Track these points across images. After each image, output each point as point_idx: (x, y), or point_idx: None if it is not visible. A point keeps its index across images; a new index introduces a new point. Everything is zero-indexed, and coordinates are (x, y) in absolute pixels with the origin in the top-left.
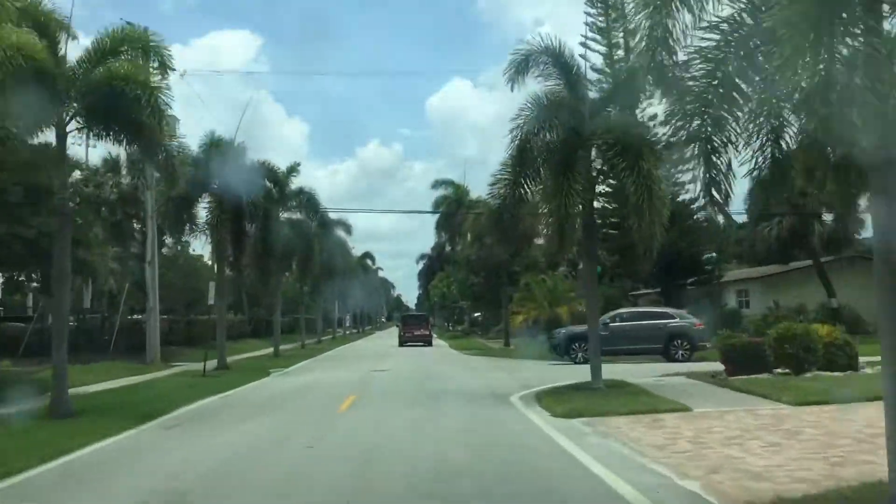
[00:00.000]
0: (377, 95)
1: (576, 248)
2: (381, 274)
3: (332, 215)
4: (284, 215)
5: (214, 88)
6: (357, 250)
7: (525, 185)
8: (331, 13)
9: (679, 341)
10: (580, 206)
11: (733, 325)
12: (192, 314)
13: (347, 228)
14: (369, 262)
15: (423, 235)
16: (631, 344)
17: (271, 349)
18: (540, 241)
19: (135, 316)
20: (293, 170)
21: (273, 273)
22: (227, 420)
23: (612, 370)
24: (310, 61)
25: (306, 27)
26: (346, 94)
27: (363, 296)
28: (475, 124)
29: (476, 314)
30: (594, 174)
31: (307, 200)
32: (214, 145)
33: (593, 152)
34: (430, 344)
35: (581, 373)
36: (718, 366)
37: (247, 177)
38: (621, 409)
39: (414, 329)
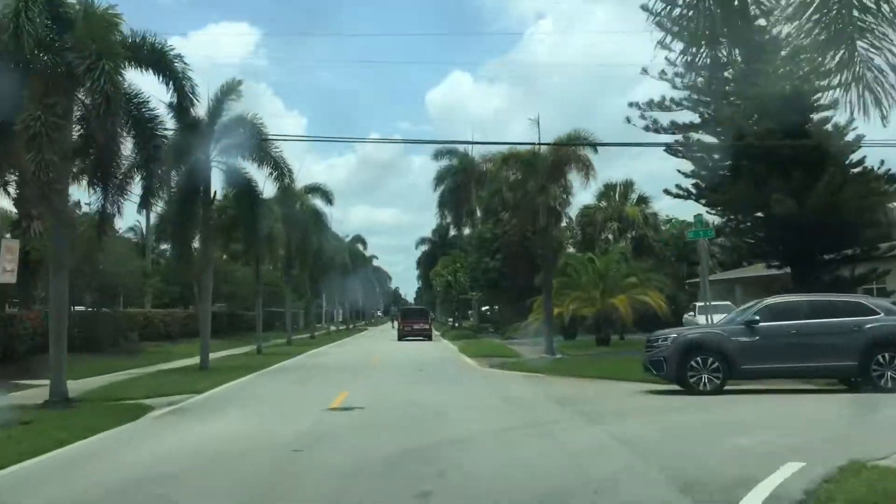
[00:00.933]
0: (377, 88)
1: None
2: (375, 263)
3: (308, 181)
4: (218, 159)
5: (214, 82)
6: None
7: None
8: (330, 5)
9: (890, 355)
10: None
11: None
12: (114, 307)
13: (327, 196)
14: (361, 247)
15: (422, 230)
16: (801, 360)
17: (219, 353)
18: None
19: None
20: (231, 89)
21: (188, 241)
22: None
23: (785, 416)
24: (309, 54)
25: (305, 20)
26: (346, 86)
27: (354, 287)
28: (476, 118)
29: (485, 308)
30: None
31: (252, 135)
32: None
33: None
34: (430, 338)
35: (753, 420)
36: None
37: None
38: None
39: (413, 323)
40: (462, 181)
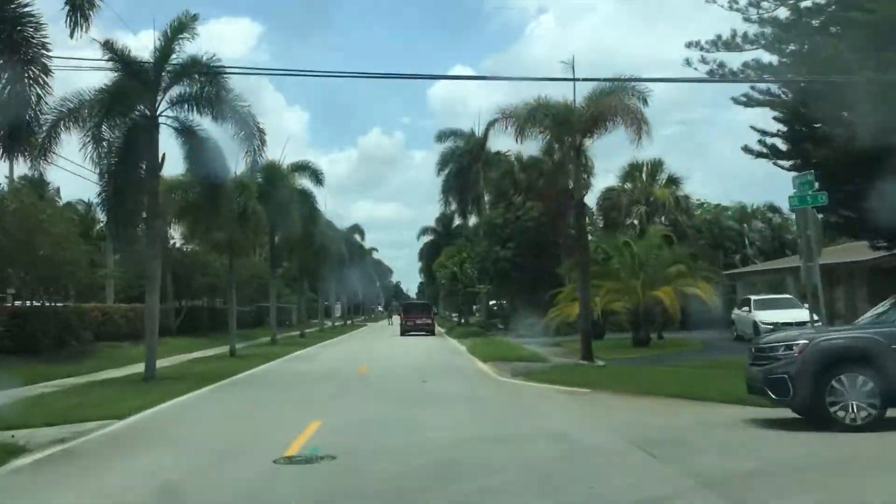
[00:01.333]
0: (378, 84)
1: None
2: (375, 256)
3: (293, 156)
4: (168, 114)
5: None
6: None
7: None
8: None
9: None
10: None
11: None
12: (55, 300)
13: (316, 176)
14: (359, 238)
15: (425, 223)
16: None
17: (186, 355)
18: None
19: None
20: (184, 26)
21: (127, 216)
22: None
23: None
24: (310, 50)
25: (305, 15)
26: (348, 82)
27: (353, 280)
28: (477, 113)
29: (492, 303)
30: None
31: (211, 82)
32: None
33: None
34: (432, 333)
35: None
36: None
37: None
38: None
39: (416, 318)
40: (468, 163)
